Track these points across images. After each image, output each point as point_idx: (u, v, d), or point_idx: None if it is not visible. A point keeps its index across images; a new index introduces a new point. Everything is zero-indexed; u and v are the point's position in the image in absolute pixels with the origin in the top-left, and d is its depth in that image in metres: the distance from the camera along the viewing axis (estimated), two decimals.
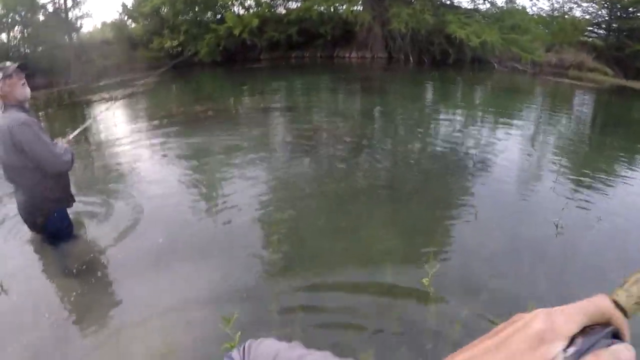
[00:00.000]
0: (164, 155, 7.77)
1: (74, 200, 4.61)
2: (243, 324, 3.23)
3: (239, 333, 3.12)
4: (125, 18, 28.33)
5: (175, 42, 25.02)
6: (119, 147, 8.57)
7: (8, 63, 3.89)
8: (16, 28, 24.21)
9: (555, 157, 7.70)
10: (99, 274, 4.35)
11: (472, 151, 7.82)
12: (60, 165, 4.00)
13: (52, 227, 4.36)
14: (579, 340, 0.48)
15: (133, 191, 6.21)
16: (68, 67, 20.89)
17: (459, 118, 11.09)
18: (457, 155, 7.69)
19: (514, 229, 5.02)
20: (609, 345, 0.48)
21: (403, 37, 23.20)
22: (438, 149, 8.19)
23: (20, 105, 3.90)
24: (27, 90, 3.94)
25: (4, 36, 24.31)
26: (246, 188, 6.17)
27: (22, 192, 4.15)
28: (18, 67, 3.87)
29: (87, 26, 42.07)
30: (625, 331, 0.51)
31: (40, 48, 23.47)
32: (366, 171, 6.99)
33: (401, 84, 18.33)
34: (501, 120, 10.84)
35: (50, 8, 24.50)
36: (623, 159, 8.06)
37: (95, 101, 13.95)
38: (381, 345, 3.28)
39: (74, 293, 4.00)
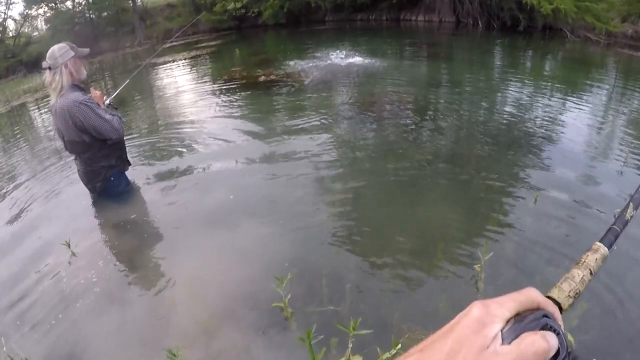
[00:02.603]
0: (224, 121, 7.87)
1: (130, 164, 5.11)
2: (294, 287, 3.37)
3: (289, 295, 3.27)
4: None
5: (239, 4, 25.03)
6: (182, 114, 8.73)
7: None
8: None
9: (626, 138, 7.29)
10: (157, 230, 4.68)
11: (539, 126, 7.45)
12: (115, 133, 4.42)
13: (111, 189, 4.88)
14: (512, 322, 0.56)
15: (193, 154, 6.51)
16: (133, 31, 21.34)
17: (526, 89, 10.60)
18: (523, 130, 7.35)
19: (574, 218, 4.72)
20: (541, 324, 0.57)
21: (472, 1, 22.27)
22: (503, 122, 7.86)
23: (79, 86, 4.35)
24: (85, 72, 4.42)
25: (69, 3, 25.00)
26: (304, 155, 6.21)
27: (81, 162, 4.66)
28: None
29: None
30: (557, 315, 0.61)
31: (105, 13, 24.04)
32: (428, 144, 6.80)
33: (469, 51, 17.69)
34: (570, 93, 10.28)
35: None
36: None
37: (159, 64, 14.17)
38: (424, 328, 3.25)
39: (133, 248, 4.33)
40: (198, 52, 16.26)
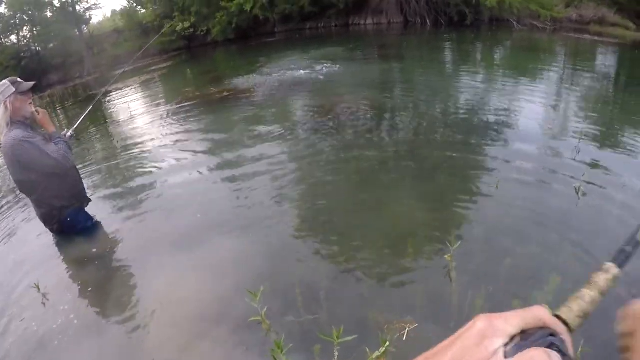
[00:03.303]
0: (182, 142, 7.76)
1: (89, 200, 4.92)
2: (269, 300, 3.31)
3: (265, 308, 3.22)
4: (135, 5, 28.30)
5: (187, 24, 24.89)
6: (137, 136, 8.60)
7: (19, 79, 4.14)
8: (25, 28, 24.40)
9: (578, 119, 7.47)
10: (125, 258, 4.56)
11: (493, 115, 7.64)
12: (61, 168, 4.19)
13: (69, 230, 4.67)
14: (517, 339, 0.55)
15: (154, 177, 6.43)
16: (81, 60, 20.99)
17: (478, 81, 10.82)
18: (478, 120, 7.51)
19: (536, 198, 4.92)
20: (547, 344, 0.55)
21: (418, 0, 22.72)
22: (459, 115, 8.03)
23: (24, 122, 4.13)
24: (31, 108, 4.18)
25: (13, 37, 24.55)
26: (267, 165, 6.20)
27: (33, 203, 4.51)
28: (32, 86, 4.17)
29: (97, 17, 42.03)
30: (564, 336, 0.59)
31: (51, 44, 23.59)
32: (387, 143, 6.92)
33: (419, 49, 18.01)
34: (522, 81, 10.56)
35: (57, 3, 24.58)
36: None
37: (111, 92, 13.95)
38: (401, 317, 3.30)
39: (103, 280, 4.24)
40: (149, 76, 16.11)
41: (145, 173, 6.67)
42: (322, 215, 4.97)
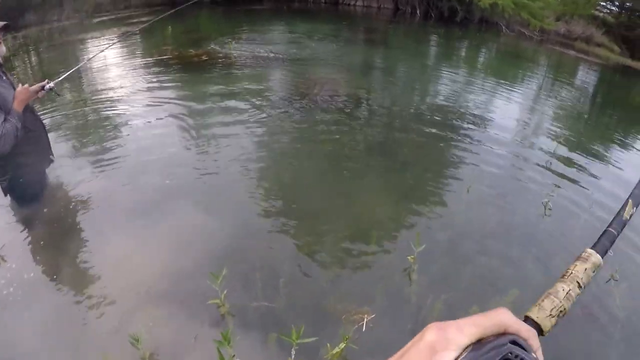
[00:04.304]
0: (156, 104, 7.51)
1: (52, 160, 4.46)
2: (229, 282, 3.28)
3: (225, 291, 3.20)
4: None
5: None
6: (110, 93, 8.29)
7: None
8: None
9: (552, 131, 7.63)
10: (80, 224, 4.29)
11: (470, 117, 7.70)
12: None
13: (19, 192, 4.24)
14: (470, 348, 0.49)
15: (123, 138, 6.10)
16: (61, 3, 20.25)
17: (460, 80, 10.85)
18: (455, 120, 7.55)
19: (505, 207, 5.01)
20: (502, 353, 0.48)
21: None
22: (436, 111, 8.03)
23: None
24: (3, 49, 3.77)
25: None
26: (238, 141, 6.03)
27: None
28: (4, 26, 3.71)
29: None
30: (532, 341, 0.52)
31: None
32: (362, 131, 6.85)
33: (405, 38, 17.91)
34: (502, 85, 10.67)
35: None
36: (618, 141, 8.03)
37: (87, 40, 13.49)
38: (359, 306, 3.35)
39: (59, 246, 3.98)
40: (129, 28, 15.56)
41: (112, 133, 6.34)
42: (289, 196, 4.90)
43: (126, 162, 5.41)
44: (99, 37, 13.54)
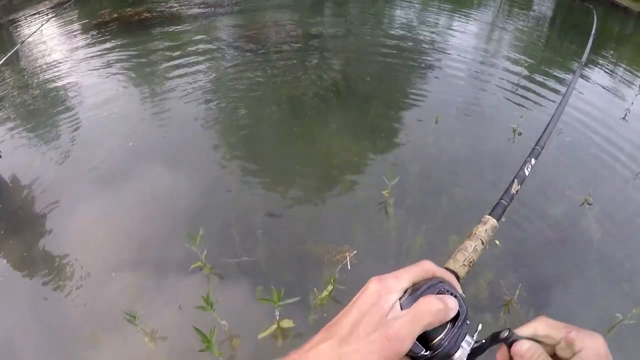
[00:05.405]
0: (102, 70, 7.24)
1: None
2: (206, 241, 3.19)
3: (205, 252, 3.16)
4: None
5: None
6: (53, 70, 7.94)
7: None
8: None
9: (514, 56, 7.58)
10: (43, 206, 4.07)
11: (428, 47, 7.57)
12: None
13: None
14: (410, 290, 0.61)
15: (75, 113, 5.79)
16: None
17: (414, 9, 10.68)
18: (413, 51, 7.42)
19: (474, 134, 5.01)
20: (437, 289, 0.61)
21: None
22: (392, 43, 7.85)
23: None
24: None
25: None
26: (194, 95, 5.83)
27: None
28: None
29: None
30: (454, 282, 0.67)
31: None
32: (319, 71, 6.66)
33: None
34: (458, 13, 10.49)
35: None
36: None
37: (20, 19, 12.86)
38: (339, 245, 3.36)
39: (21, 222, 3.86)
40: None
41: (63, 105, 6.04)
42: (253, 145, 4.80)
43: (82, 134, 5.18)
44: (32, 14, 12.88)
